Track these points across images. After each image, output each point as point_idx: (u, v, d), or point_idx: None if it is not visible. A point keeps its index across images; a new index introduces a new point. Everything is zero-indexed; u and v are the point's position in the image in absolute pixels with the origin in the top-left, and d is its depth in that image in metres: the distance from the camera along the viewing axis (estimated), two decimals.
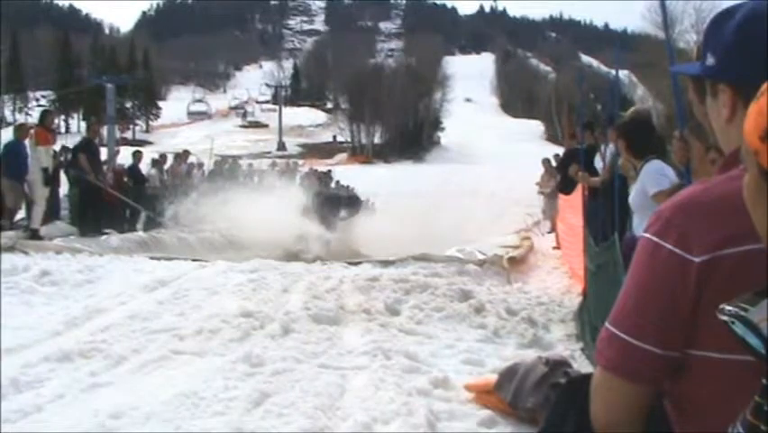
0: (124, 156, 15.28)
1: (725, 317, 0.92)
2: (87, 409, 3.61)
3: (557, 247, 10.45)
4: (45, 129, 11.80)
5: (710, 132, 1.25)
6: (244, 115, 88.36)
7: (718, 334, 1.02)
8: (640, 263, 1.12)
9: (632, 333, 1.10)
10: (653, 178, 4.08)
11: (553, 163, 15.43)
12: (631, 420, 1.13)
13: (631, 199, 4.35)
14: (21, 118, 60.29)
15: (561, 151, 15.93)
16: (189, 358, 4.64)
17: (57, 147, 12.42)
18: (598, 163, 6.82)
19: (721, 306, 0.93)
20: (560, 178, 8.95)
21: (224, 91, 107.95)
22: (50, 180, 11.54)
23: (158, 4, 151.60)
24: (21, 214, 11.45)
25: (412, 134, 74.31)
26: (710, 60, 1.15)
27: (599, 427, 1.16)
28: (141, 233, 11.23)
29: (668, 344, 1.08)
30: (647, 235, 1.11)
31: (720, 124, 1.16)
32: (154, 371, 4.38)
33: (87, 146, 12.56)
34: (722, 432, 1.01)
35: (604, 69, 79.60)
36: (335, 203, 13.51)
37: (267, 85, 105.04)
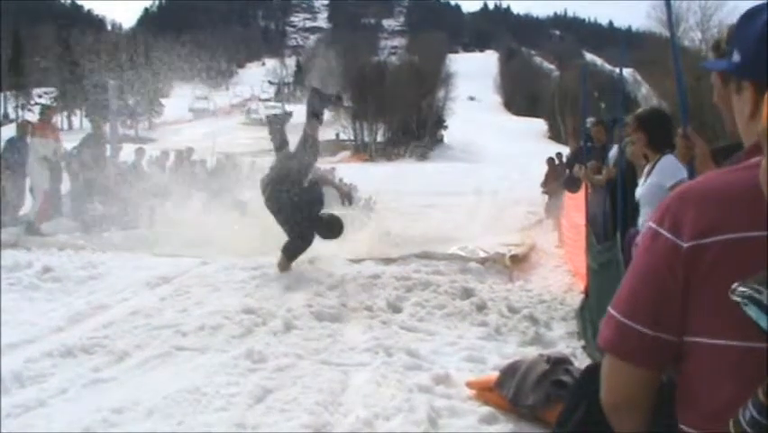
0: (127, 153, 15.27)
1: (737, 298, 0.94)
2: (90, 405, 3.64)
3: (560, 246, 10.45)
4: (44, 123, 11.93)
5: (727, 118, 1.28)
6: (247, 112, 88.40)
7: (707, 319, 1.05)
8: (640, 249, 1.17)
9: (625, 313, 1.14)
10: (670, 170, 4.05)
11: (557, 162, 15.42)
12: (634, 402, 1.16)
13: (641, 193, 4.32)
14: (23, 115, 60.31)
15: (563, 149, 15.91)
16: (191, 354, 4.66)
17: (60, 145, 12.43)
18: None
19: (734, 285, 0.95)
20: (567, 176, 8.94)
21: (227, 89, 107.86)
22: (53, 170, 11.63)
23: (160, 1, 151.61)
24: (23, 210, 11.48)
25: (415, 132, 74.31)
26: (736, 57, 1.17)
27: (607, 408, 1.19)
28: (143, 229, 11.24)
29: (659, 325, 1.10)
30: (649, 223, 1.16)
31: (743, 120, 1.19)
32: (156, 367, 4.40)
33: (91, 143, 12.60)
34: (715, 417, 1.03)
35: (608, 67, 79.47)
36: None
37: (270, 82, 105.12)
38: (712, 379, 1.07)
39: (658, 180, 4.14)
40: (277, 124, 8.16)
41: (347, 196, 8.07)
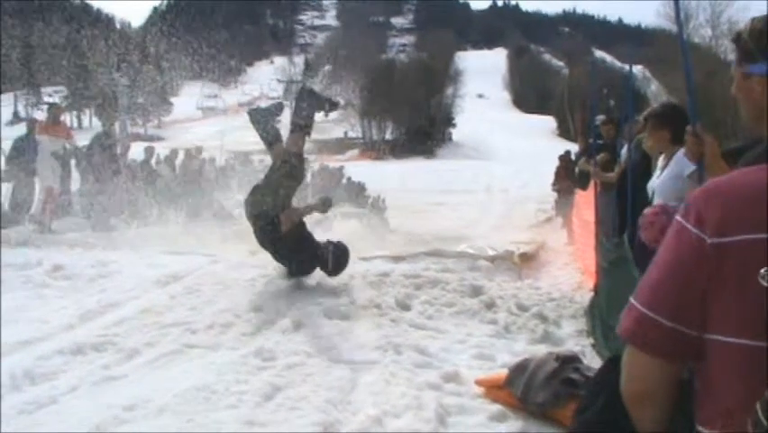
0: (136, 151, 15.32)
1: (766, 283, 0.95)
2: (101, 402, 3.66)
3: (569, 243, 10.42)
4: (52, 122, 12.02)
5: (743, 110, 1.28)
6: None
7: (724, 317, 1.05)
8: (666, 242, 1.18)
9: (646, 304, 1.16)
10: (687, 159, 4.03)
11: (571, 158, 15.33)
12: (652, 393, 1.17)
13: (657, 185, 4.30)
14: (32, 114, 60.59)
15: (573, 146, 15.83)
16: (202, 352, 4.67)
17: (68, 144, 12.49)
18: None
19: (763, 271, 0.96)
20: (578, 173, 8.93)
21: (236, 87, 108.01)
22: (63, 167, 11.73)
23: (169, 0, 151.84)
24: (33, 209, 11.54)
25: (424, 130, 74.02)
26: None
27: (626, 398, 1.20)
28: (154, 227, 11.28)
29: (679, 318, 1.11)
30: (676, 217, 1.17)
31: None
32: (167, 364, 4.42)
33: (102, 141, 12.65)
34: (728, 416, 1.03)
35: (617, 63, 79.14)
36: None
37: (278, 80, 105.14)
38: (726, 377, 1.07)
39: (676, 170, 4.14)
40: (262, 119, 6.85)
41: (322, 207, 7.01)
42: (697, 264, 1.10)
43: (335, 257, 6.64)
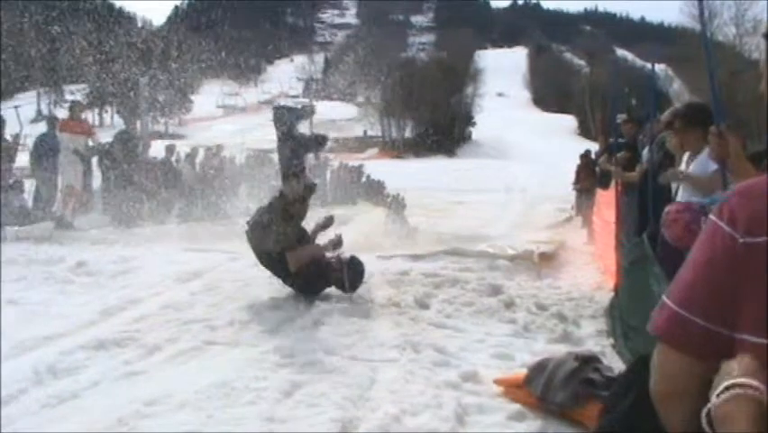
0: (157, 149, 15.44)
1: None
2: (122, 397, 3.70)
3: (589, 243, 10.37)
4: (74, 119, 12.17)
5: None
6: None
7: (753, 317, 1.05)
8: (699, 240, 1.18)
9: (679, 302, 1.15)
10: None
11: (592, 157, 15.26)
12: (682, 393, 1.16)
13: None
14: (53, 111, 61.17)
15: (594, 146, 15.75)
16: (222, 349, 4.71)
17: (91, 141, 12.61)
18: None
19: None
20: (599, 173, 8.88)
21: (255, 85, 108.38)
22: (84, 162, 11.88)
23: None
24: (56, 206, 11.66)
25: (443, 129, 73.65)
26: None
27: (656, 398, 1.19)
28: (174, 225, 11.36)
29: (711, 317, 1.11)
30: (710, 216, 1.17)
31: None
32: (187, 360, 4.46)
33: (123, 138, 12.78)
34: None
35: (639, 62, 78.52)
36: None
37: (298, 79, 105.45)
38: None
39: (701, 169, 4.12)
40: (287, 118, 6.50)
41: (323, 227, 6.63)
42: (729, 263, 1.09)
43: (350, 277, 6.25)
